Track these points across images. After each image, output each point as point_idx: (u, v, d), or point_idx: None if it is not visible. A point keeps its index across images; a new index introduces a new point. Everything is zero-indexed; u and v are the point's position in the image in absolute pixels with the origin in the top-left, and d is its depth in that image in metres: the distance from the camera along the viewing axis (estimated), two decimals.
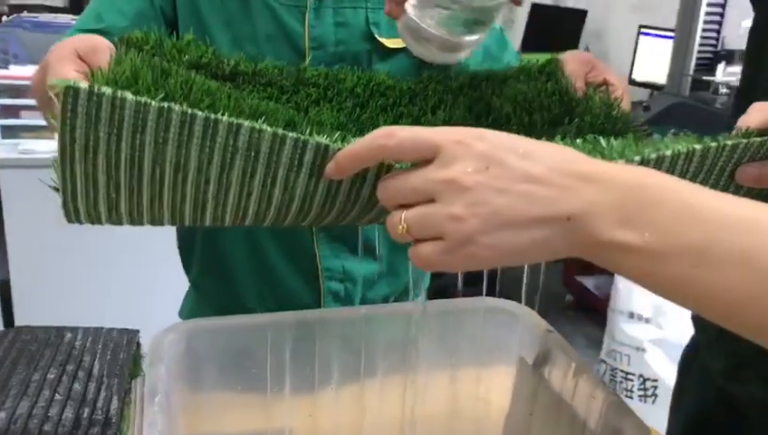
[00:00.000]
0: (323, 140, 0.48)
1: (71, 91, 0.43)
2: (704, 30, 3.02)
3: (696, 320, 0.81)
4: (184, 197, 0.47)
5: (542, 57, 0.79)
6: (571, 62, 0.76)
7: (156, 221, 0.51)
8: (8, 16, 2.68)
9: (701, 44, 3.02)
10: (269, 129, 0.46)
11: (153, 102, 0.44)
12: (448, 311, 0.80)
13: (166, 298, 1.16)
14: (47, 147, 1.97)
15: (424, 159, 0.46)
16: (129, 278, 2.07)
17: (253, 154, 0.46)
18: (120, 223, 0.50)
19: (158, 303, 1.34)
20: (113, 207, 0.48)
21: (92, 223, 0.50)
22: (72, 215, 0.49)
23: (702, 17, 3.00)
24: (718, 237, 0.40)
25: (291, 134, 0.46)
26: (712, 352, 0.76)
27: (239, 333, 0.73)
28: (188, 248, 1.02)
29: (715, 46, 3.10)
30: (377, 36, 0.90)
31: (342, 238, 0.97)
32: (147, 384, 0.62)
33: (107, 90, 0.43)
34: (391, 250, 1.01)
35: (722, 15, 3.10)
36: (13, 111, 2.07)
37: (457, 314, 0.79)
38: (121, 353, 0.78)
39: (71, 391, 0.71)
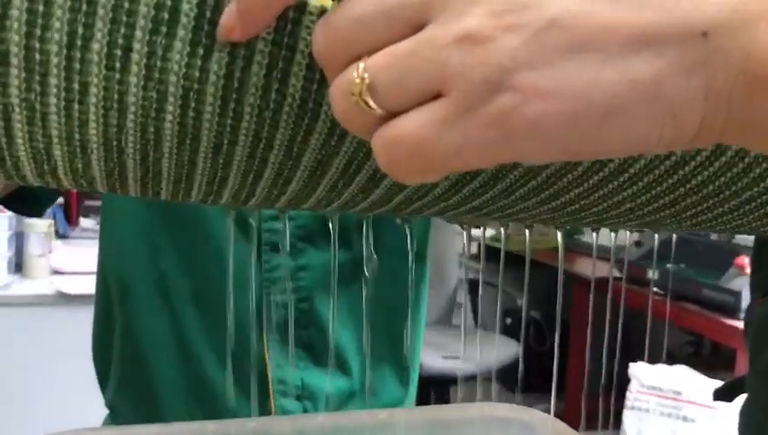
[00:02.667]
0: None
1: None
2: None
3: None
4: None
5: None
6: None
7: None
8: None
9: None
10: None
11: None
12: (438, 422, 0.56)
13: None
14: None
15: None
16: (35, 403, 1.77)
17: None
18: None
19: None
20: None
21: None
22: None
23: None
24: None
25: None
26: None
27: None
28: (104, 357, 0.80)
29: None
30: None
31: (302, 343, 0.76)
32: None
33: None
34: (366, 362, 0.79)
35: None
36: None
37: (451, 426, 0.56)
38: None
39: None
